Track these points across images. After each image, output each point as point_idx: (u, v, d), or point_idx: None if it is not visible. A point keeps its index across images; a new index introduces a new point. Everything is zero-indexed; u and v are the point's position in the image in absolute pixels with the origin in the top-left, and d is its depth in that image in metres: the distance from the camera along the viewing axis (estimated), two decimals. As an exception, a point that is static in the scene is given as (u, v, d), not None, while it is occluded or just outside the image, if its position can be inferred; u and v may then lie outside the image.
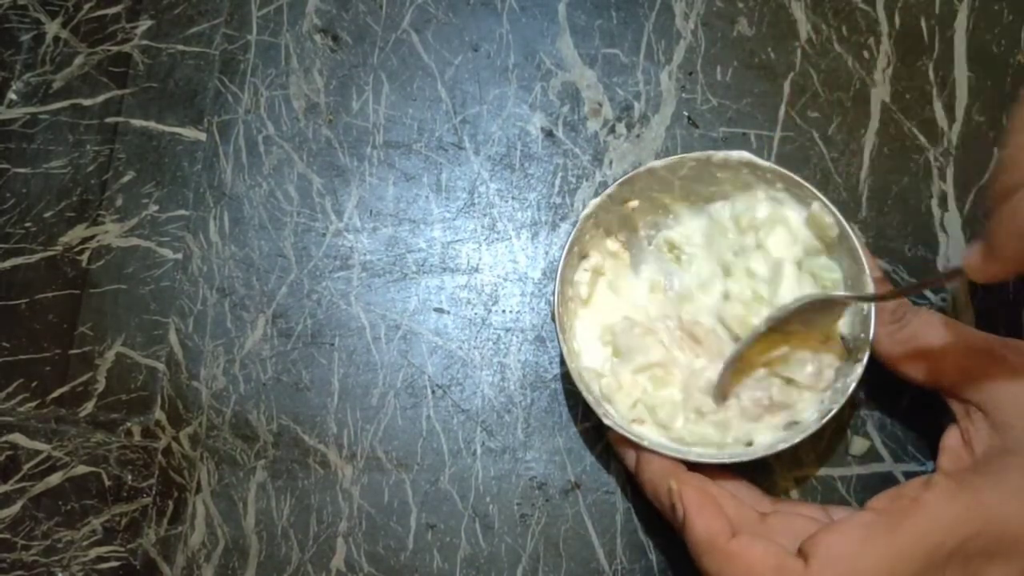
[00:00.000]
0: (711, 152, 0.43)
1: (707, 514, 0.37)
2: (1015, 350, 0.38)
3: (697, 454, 0.41)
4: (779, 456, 0.45)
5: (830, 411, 0.40)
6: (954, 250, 0.47)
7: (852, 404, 0.45)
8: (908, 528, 0.34)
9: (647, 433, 0.42)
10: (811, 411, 0.42)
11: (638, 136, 0.49)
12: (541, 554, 0.44)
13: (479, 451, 0.46)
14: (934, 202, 0.48)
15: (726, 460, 0.40)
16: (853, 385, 0.40)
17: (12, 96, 0.50)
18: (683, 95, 0.49)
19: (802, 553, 0.35)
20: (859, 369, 0.40)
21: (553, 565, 0.44)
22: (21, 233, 0.49)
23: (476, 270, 0.48)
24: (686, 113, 0.49)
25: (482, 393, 0.46)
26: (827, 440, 0.45)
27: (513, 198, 0.49)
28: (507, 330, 0.47)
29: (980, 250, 0.34)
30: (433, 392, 0.46)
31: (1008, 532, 0.34)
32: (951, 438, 0.39)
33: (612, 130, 0.49)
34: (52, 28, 0.51)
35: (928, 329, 0.40)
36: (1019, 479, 0.35)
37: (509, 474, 0.45)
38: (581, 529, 0.45)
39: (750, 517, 0.38)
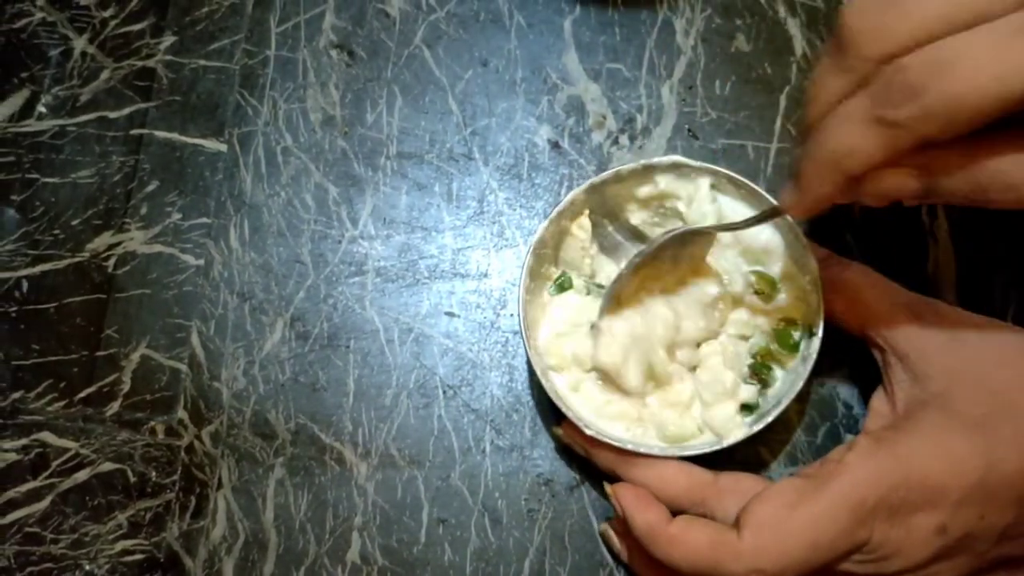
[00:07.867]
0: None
1: (642, 507, 0.39)
2: (935, 307, 0.40)
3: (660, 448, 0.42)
4: (775, 454, 0.46)
5: (796, 387, 0.42)
6: (945, 256, 0.49)
7: (810, 379, 0.44)
8: (832, 489, 0.35)
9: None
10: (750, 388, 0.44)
11: (640, 147, 0.51)
12: (547, 548, 0.46)
13: (488, 449, 0.47)
14: (923, 209, 0.49)
15: (692, 452, 0.42)
16: (814, 357, 0.42)
17: (41, 109, 0.52)
18: (683, 108, 0.51)
19: (737, 523, 0.37)
20: (816, 342, 0.42)
21: (559, 558, 0.46)
22: (50, 240, 0.51)
23: (485, 275, 0.50)
24: (686, 126, 0.51)
25: (491, 393, 0.48)
26: (821, 439, 0.47)
27: (521, 206, 0.51)
28: (515, 333, 0.49)
29: (792, 186, 0.34)
30: (444, 392, 0.48)
31: (929, 481, 0.35)
32: (877, 400, 0.41)
33: (616, 142, 0.51)
34: (80, 44, 0.53)
35: (858, 279, 0.42)
36: (935, 429, 0.36)
37: (517, 471, 0.47)
38: (586, 524, 0.46)
39: (704, 480, 0.40)
